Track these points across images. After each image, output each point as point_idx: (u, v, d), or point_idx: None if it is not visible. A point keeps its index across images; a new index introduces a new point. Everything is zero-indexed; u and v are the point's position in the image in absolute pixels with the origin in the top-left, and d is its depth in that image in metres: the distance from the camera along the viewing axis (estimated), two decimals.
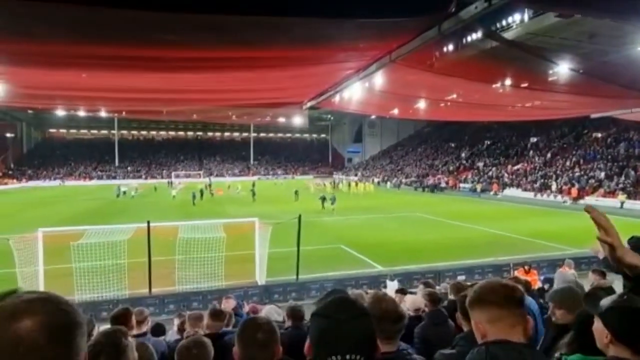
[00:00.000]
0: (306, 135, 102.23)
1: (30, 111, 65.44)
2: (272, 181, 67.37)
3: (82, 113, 34.94)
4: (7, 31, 7.48)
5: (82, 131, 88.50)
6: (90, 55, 8.88)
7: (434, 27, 8.58)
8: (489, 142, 60.87)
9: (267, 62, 10.20)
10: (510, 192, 43.30)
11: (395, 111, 29.19)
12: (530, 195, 40.52)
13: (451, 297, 4.68)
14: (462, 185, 51.45)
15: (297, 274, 12.99)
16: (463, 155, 62.06)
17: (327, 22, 7.57)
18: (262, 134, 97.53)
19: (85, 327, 0.93)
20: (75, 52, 8.73)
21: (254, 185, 46.03)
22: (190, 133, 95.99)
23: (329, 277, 13.65)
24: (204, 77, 11.88)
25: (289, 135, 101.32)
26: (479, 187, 46.19)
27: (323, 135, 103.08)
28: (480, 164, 55.07)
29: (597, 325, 1.66)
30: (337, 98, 18.04)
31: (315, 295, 11.85)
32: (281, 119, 55.40)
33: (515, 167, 48.77)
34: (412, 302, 4.52)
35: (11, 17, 6.79)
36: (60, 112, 33.35)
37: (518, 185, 44.12)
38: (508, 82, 15.32)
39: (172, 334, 6.54)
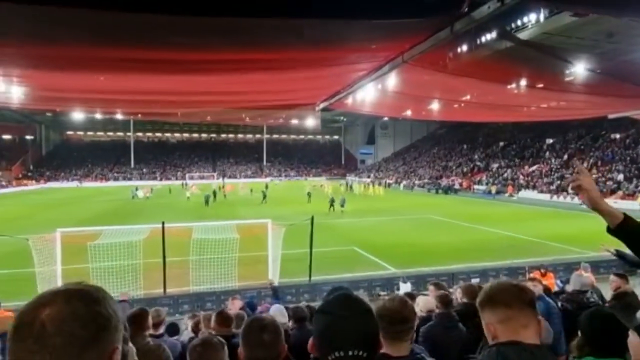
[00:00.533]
0: (319, 136, 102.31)
1: (48, 114, 66.76)
2: (272, 182, 67.19)
3: (99, 115, 35.75)
4: (28, 36, 7.69)
5: (99, 133, 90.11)
6: (108, 58, 9.07)
7: (446, 27, 8.55)
8: (503, 144, 60.10)
9: (280, 64, 10.28)
10: (525, 193, 42.68)
11: (409, 112, 29.06)
12: (546, 197, 39.86)
13: (463, 299, 4.63)
14: (476, 187, 50.88)
15: (310, 276, 13.01)
16: (477, 156, 61.39)
17: (339, 24, 7.60)
18: (275, 136, 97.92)
19: (113, 322, 0.94)
20: (94, 55, 8.92)
21: (266, 187, 46.25)
22: (204, 135, 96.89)
23: (341, 278, 13.64)
24: (218, 79, 12.03)
25: (301, 136, 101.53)
26: (493, 188, 45.60)
27: (336, 137, 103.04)
28: (495, 166, 54.42)
29: (633, 339, 1.61)
30: (349, 99, 18.06)
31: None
32: (294, 121, 55.56)
33: (531, 169, 48.07)
34: (425, 303, 4.49)
35: (32, 22, 6.98)
36: (78, 115, 34.04)
37: (534, 187, 43.46)
38: (523, 82, 15.15)
39: (186, 334, 6.60)
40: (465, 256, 16.46)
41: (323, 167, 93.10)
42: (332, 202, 31.86)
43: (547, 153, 50.05)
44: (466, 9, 7.63)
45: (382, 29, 8.39)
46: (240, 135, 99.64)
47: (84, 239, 13.13)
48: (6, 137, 78.79)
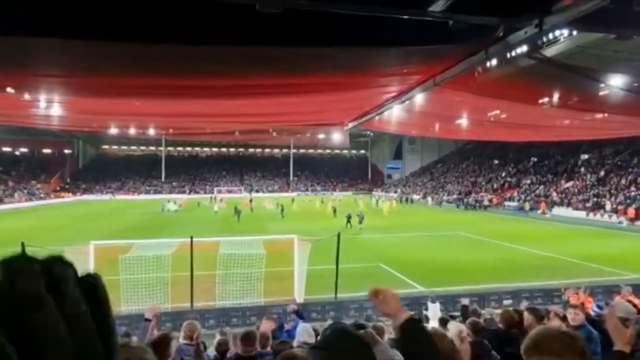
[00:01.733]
0: (345, 151, 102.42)
1: (86, 128, 69.80)
2: (297, 197, 67.24)
3: (132, 131, 37.37)
4: (72, 67, 8.13)
5: (133, 147, 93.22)
6: (145, 85, 9.46)
7: (480, 51, 8.47)
8: (535, 159, 58.39)
9: (312, 87, 10.44)
10: (559, 211, 41.15)
11: (436, 130, 28.76)
12: (581, 214, 38.28)
13: (500, 326, 4.44)
14: (507, 203, 49.49)
15: (336, 293, 12.86)
16: (508, 172, 59.87)
17: (373, 50, 7.67)
18: (302, 150, 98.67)
19: None
20: (131, 83, 9.33)
21: (293, 200, 46.38)
22: (232, 149, 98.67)
23: (367, 296, 13.41)
24: (250, 102, 12.32)
25: (328, 151, 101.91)
26: (527, 205, 44.12)
27: (362, 152, 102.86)
28: (527, 182, 52.86)
29: None
30: (378, 119, 18.06)
31: (354, 315, 11.67)
32: (321, 135, 55.76)
33: (566, 185, 46.42)
34: (457, 331, 4.34)
35: (77, 55, 7.38)
36: (113, 130, 35.76)
37: (568, 204, 41.87)
38: (554, 101, 14.73)
39: (212, 350, 6.58)
40: (496, 276, 15.93)
41: (350, 181, 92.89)
42: (348, 218, 30.88)
43: (582, 169, 48.28)
44: (501, 34, 7.55)
45: (415, 54, 8.42)
46: (267, 150, 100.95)
47: (116, 251, 13.48)
48: (46, 151, 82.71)
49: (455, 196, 58.19)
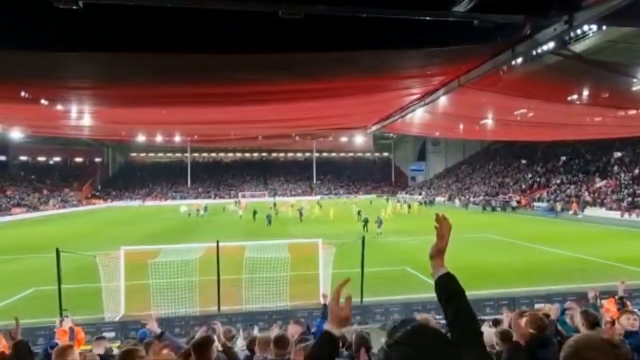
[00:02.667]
0: (368, 154, 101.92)
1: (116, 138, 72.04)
2: (321, 199, 67.07)
3: (159, 138, 38.47)
4: (100, 78, 8.43)
5: (159, 155, 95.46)
6: (171, 94, 9.70)
7: (507, 50, 8.27)
8: (565, 158, 56.63)
9: (334, 92, 10.46)
10: (592, 211, 39.74)
11: (461, 131, 28.27)
12: (616, 215, 36.87)
13: (530, 330, 4.31)
14: (536, 204, 48.14)
15: (362, 297, 12.78)
16: (536, 172, 58.26)
17: (395, 53, 7.62)
18: (324, 154, 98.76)
19: None
20: (158, 93, 9.59)
21: (319, 204, 46.27)
22: (255, 154, 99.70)
23: (393, 300, 13.27)
24: (273, 108, 12.43)
25: (351, 154, 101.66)
26: (558, 206, 42.77)
27: (385, 154, 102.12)
28: (557, 182, 51.31)
29: None
30: (401, 121, 17.90)
31: (380, 319, 11.56)
32: (343, 139, 55.72)
33: (598, 185, 44.83)
34: (485, 338, 4.23)
35: (104, 66, 7.65)
36: (141, 138, 36.97)
37: (601, 204, 40.40)
38: (583, 98, 14.23)
39: (239, 347, 6.58)
40: (527, 279, 15.50)
41: (373, 184, 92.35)
42: (365, 222, 30.09)
43: (616, 167, 46.52)
44: (528, 32, 7.34)
45: (439, 55, 8.31)
46: (290, 154, 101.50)
47: (145, 256, 13.81)
48: (78, 160, 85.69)
49: (481, 197, 56.92)
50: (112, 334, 10.44)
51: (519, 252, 21.66)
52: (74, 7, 5.20)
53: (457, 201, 57.93)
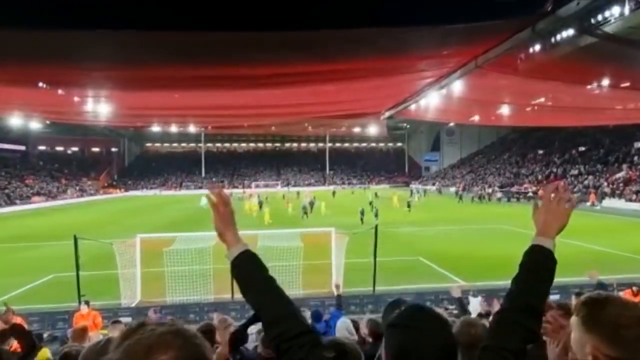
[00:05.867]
0: (382, 144, 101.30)
1: (131, 128, 72.97)
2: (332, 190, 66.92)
3: (174, 129, 38.67)
4: (113, 60, 8.47)
5: (174, 145, 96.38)
6: (185, 77, 9.71)
7: (527, 27, 8.01)
8: (583, 148, 55.42)
9: (348, 74, 10.34)
10: (611, 202, 38.92)
11: (476, 118, 27.77)
12: (636, 206, 36.04)
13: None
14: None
15: (374, 286, 12.79)
16: (553, 162, 57.19)
17: (410, 30, 7.46)
18: (337, 144, 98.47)
19: None
20: (172, 74, 9.61)
21: (334, 194, 45.99)
22: (269, 145, 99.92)
23: (407, 290, 13.26)
24: (288, 92, 12.38)
25: (364, 144, 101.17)
26: (575, 197, 42.01)
27: (399, 144, 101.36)
28: (574, 172, 50.32)
29: None
30: (416, 107, 17.64)
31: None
32: (357, 129, 55.31)
33: (617, 175, 43.82)
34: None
35: (118, 46, 7.68)
36: (156, 128, 37.26)
37: (620, 196, 39.53)
38: (606, 82, 13.81)
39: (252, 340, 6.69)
40: None
41: (386, 175, 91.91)
42: (362, 213, 29.42)
43: (636, 158, 45.38)
44: (550, 7, 7.09)
45: (456, 33, 8.10)
46: (303, 144, 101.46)
47: (160, 244, 14.01)
48: (95, 149, 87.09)
49: (496, 188, 56.09)
50: (128, 319, 10.65)
51: None
52: None
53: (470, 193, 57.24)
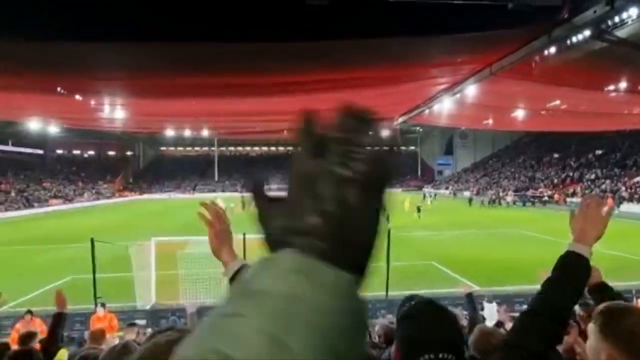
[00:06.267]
0: (394, 147, 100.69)
1: (146, 133, 74.07)
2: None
3: (188, 133, 39.28)
4: (131, 69, 8.66)
5: (188, 148, 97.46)
6: (200, 85, 9.87)
7: (543, 35, 7.93)
8: (600, 152, 54.45)
9: (361, 81, 10.38)
10: (629, 207, 38.12)
11: (490, 122, 27.53)
12: None
13: None
14: (569, 199, 46.58)
15: (387, 291, 12.73)
16: (569, 166, 56.29)
17: (424, 39, 7.46)
18: None
19: None
20: (187, 83, 9.78)
21: None
22: (280, 148, 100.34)
23: (420, 295, 13.16)
24: (298, 99, 12.45)
25: (377, 147, 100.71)
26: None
27: (412, 148, 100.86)
28: (591, 176, 49.46)
29: None
30: (429, 112, 17.58)
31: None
32: None
33: (636, 179, 42.94)
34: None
35: (136, 57, 7.85)
36: (171, 132, 37.85)
37: (639, 200, 38.72)
38: (622, 86, 13.57)
39: None
40: None
41: (399, 178, 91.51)
42: None
43: None
44: (566, 15, 7.01)
45: (470, 41, 8.08)
46: None
47: (175, 247, 14.17)
48: (111, 153, 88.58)
49: (509, 192, 55.39)
50: (143, 322, 10.80)
51: (551, 248, 20.99)
52: None
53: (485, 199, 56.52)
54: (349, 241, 0.43)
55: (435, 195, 58.72)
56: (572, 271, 1.52)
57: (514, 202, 50.32)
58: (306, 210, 0.42)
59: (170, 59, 7.88)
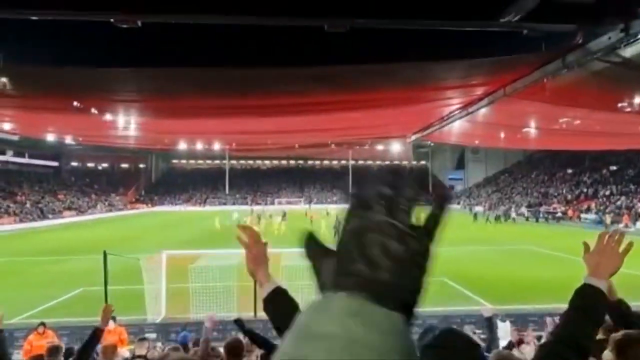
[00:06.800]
0: (405, 162, 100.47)
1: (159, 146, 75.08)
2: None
3: (200, 146, 39.89)
4: (148, 92, 8.88)
5: (199, 162, 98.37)
6: (214, 106, 10.07)
7: (557, 59, 7.92)
8: (615, 167, 53.60)
9: (375, 102, 10.46)
10: None
11: (502, 141, 27.35)
12: None
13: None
14: (584, 216, 45.79)
15: None
16: (583, 182, 55.48)
17: (438, 64, 7.53)
18: (360, 162, 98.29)
19: None
20: (202, 105, 9.98)
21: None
22: (292, 162, 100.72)
23: (431, 312, 12.97)
24: (313, 119, 12.59)
25: (387, 162, 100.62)
26: (608, 218, 40.44)
27: (423, 162, 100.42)
28: (606, 192, 48.65)
29: None
30: (442, 131, 17.57)
31: (417, 332, 11.32)
32: (380, 147, 55.18)
33: None
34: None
35: (153, 81, 8.06)
36: (183, 146, 38.40)
37: None
38: (635, 105, 13.41)
39: None
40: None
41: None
42: None
43: None
44: (580, 41, 7.00)
45: (484, 66, 8.14)
46: (326, 162, 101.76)
47: (186, 260, 14.22)
48: (124, 165, 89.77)
49: (523, 208, 54.69)
50: (153, 335, 10.80)
51: (566, 266, 20.65)
52: (134, 26, 5.55)
53: (499, 213, 55.78)
54: (397, 284, 0.47)
55: None
56: (588, 304, 1.52)
57: (527, 218, 49.64)
58: (357, 257, 0.47)
59: (190, 83, 8.08)
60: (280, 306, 1.63)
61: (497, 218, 47.78)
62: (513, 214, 49.96)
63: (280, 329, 1.60)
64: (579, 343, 1.42)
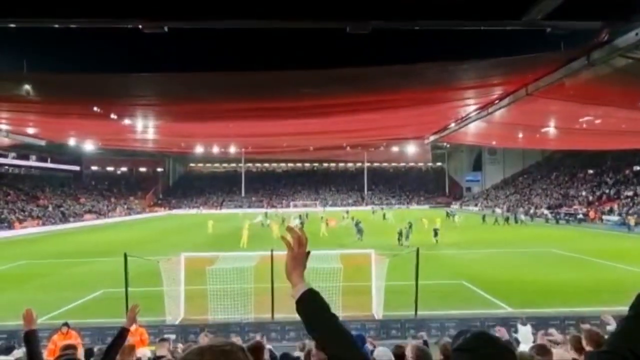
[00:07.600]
0: (421, 164, 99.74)
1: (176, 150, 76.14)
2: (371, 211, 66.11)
3: (216, 149, 40.29)
4: (169, 96, 9.03)
5: (216, 165, 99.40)
6: (235, 109, 10.18)
7: (581, 57, 7.74)
8: (638, 167, 52.14)
9: (395, 103, 10.44)
10: None
11: (521, 141, 26.89)
12: None
13: (588, 347, 4.00)
14: (606, 217, 44.61)
15: (416, 310, 12.47)
16: (605, 183, 54.12)
17: (461, 64, 7.45)
18: (375, 164, 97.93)
19: None
20: (223, 108, 10.10)
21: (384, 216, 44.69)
22: (307, 165, 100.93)
23: (450, 315, 12.82)
24: (334, 120, 12.62)
25: (403, 164, 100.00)
26: (631, 219, 39.28)
27: (439, 164, 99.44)
28: (629, 193, 47.35)
29: None
30: (461, 131, 17.37)
31: (435, 335, 11.19)
32: (395, 149, 54.82)
33: None
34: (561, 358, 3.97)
35: (173, 85, 8.20)
36: (199, 149, 38.90)
37: None
38: None
39: None
40: (596, 298, 14.37)
41: (426, 195, 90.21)
42: (400, 234, 28.86)
43: None
44: (605, 38, 6.82)
45: (506, 64, 8.02)
46: (341, 165, 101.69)
47: (203, 262, 14.36)
48: (142, 169, 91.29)
49: (543, 210, 53.63)
50: (172, 336, 10.91)
51: (588, 269, 20.17)
52: (159, 32, 5.64)
53: (522, 215, 54.68)
54: None
55: (455, 215, 50.26)
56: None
57: (547, 220, 48.60)
58: None
59: (211, 87, 8.20)
60: (313, 307, 1.64)
61: (507, 220, 46.65)
62: (522, 217, 48.78)
63: (312, 331, 1.62)
64: (635, 352, 1.30)
